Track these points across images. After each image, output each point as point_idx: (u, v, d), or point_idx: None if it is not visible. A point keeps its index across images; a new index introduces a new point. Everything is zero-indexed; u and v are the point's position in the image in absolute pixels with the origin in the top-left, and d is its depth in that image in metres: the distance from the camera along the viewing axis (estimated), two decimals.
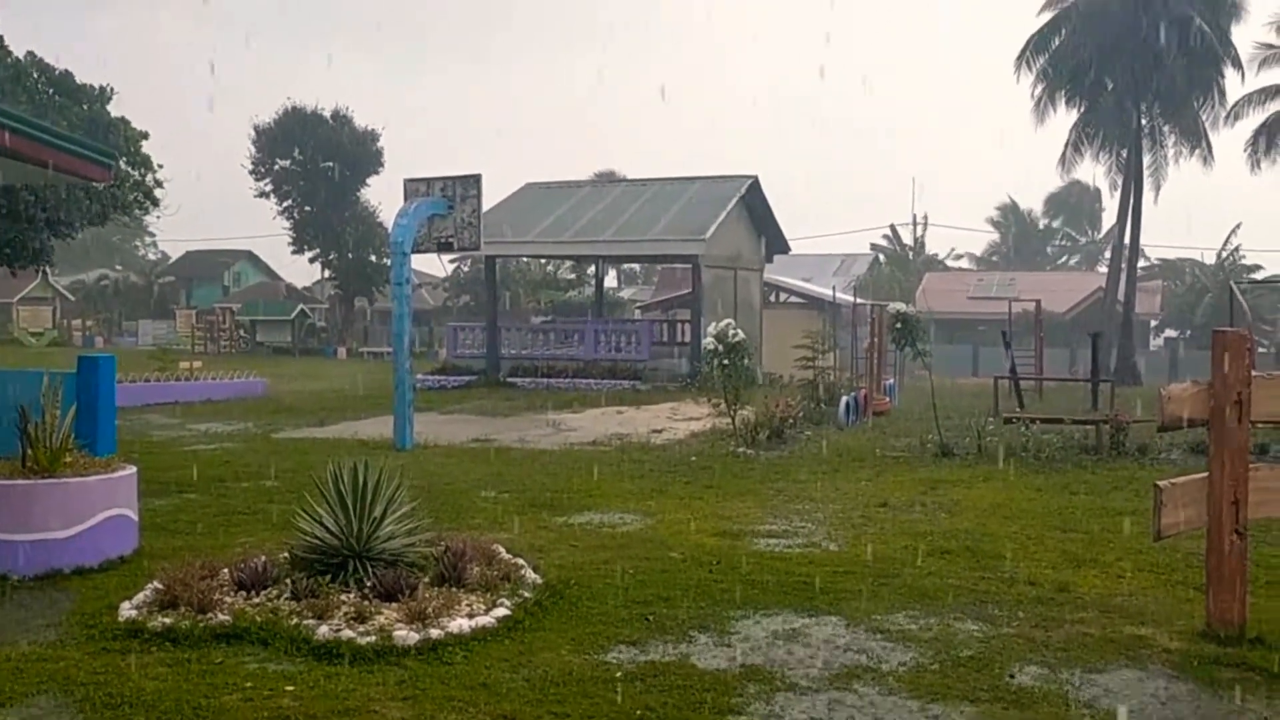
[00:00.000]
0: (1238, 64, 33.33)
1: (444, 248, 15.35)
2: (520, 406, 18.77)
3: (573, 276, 50.35)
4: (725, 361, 14.24)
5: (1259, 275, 46.14)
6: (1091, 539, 7.51)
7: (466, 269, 52.30)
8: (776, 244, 29.42)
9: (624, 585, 6.15)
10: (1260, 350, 39.20)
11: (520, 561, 6.38)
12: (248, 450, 12.97)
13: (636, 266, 58.58)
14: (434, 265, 51.63)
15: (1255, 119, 37.22)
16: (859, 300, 27.58)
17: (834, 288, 31.67)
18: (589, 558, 6.89)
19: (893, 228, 60.15)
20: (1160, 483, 5.19)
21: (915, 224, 60.73)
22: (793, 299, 35.72)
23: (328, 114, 48.71)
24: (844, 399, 16.39)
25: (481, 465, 11.64)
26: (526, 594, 5.72)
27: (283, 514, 7.47)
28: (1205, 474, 5.23)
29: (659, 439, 14.30)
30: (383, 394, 15.44)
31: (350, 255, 49.34)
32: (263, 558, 5.89)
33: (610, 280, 53.75)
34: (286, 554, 6.08)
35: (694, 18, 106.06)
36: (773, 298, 34.62)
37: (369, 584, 5.53)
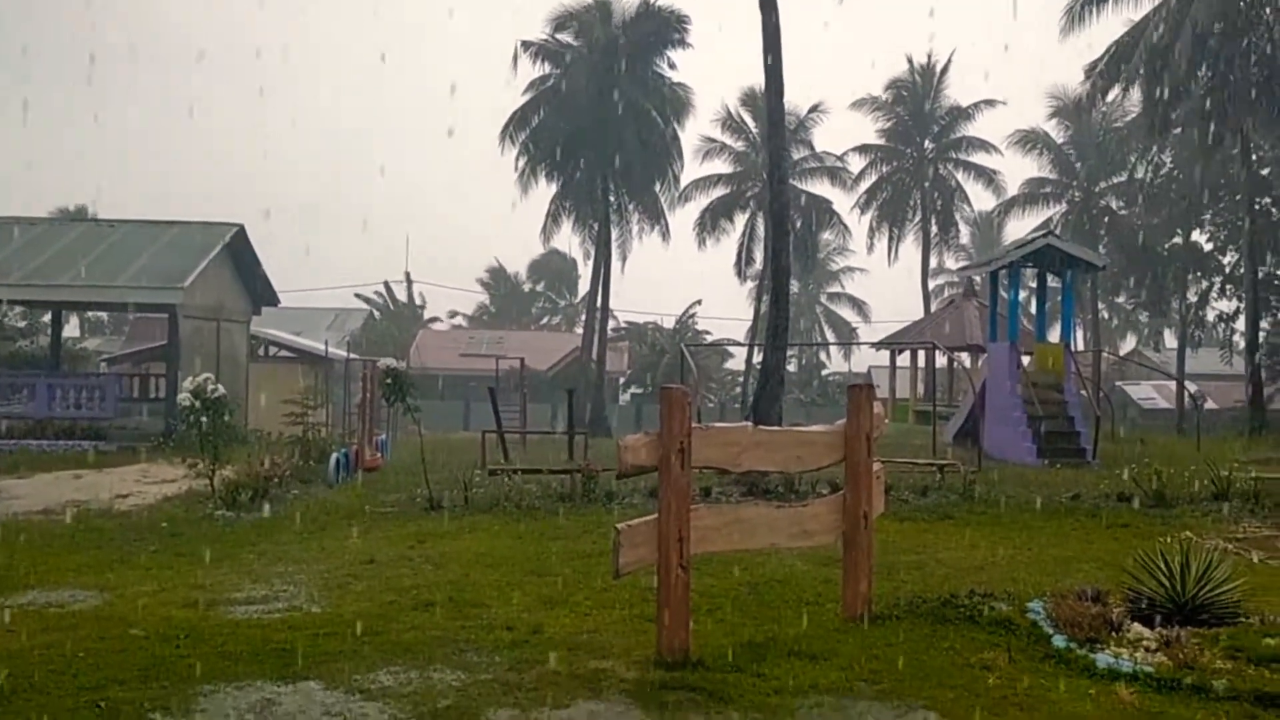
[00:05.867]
0: (681, 154, 38.27)
1: None
2: None
3: (23, 325, 44.33)
4: (204, 418, 13.37)
5: (708, 339, 52.75)
6: (564, 581, 8.03)
7: None
8: (265, 295, 28.29)
9: (72, 671, 5.47)
10: (709, 405, 44.71)
11: None
12: None
13: (104, 315, 53.01)
14: None
15: (701, 202, 42.92)
16: (352, 355, 27.32)
17: (326, 342, 31.11)
18: (29, 643, 6.04)
19: (386, 284, 60.47)
20: (619, 525, 5.69)
21: (409, 281, 61.62)
22: (283, 353, 34.49)
23: None
24: (334, 456, 16.07)
25: None
26: None
27: None
28: (656, 515, 5.82)
29: (125, 505, 12.99)
30: None
31: None
32: None
33: (72, 330, 48.15)
34: None
35: (189, 56, 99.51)
36: (261, 351, 33.16)
37: None
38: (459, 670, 5.57)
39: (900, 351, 33.38)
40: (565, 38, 36.52)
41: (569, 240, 44.80)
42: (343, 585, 8.02)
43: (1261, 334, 31.13)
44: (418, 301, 62.31)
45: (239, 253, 26.08)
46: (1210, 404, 36.21)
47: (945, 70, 45.66)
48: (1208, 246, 38.53)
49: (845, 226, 46.11)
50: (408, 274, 61.89)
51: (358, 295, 58.60)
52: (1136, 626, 6.07)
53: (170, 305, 22.59)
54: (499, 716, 4.85)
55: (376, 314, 58.09)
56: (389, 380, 14.36)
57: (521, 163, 36.43)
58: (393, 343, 47.38)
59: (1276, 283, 34.55)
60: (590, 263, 38.66)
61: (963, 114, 45.44)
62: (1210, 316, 38.45)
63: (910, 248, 46.99)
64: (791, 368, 51.07)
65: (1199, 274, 38.42)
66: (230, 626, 6.59)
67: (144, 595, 7.58)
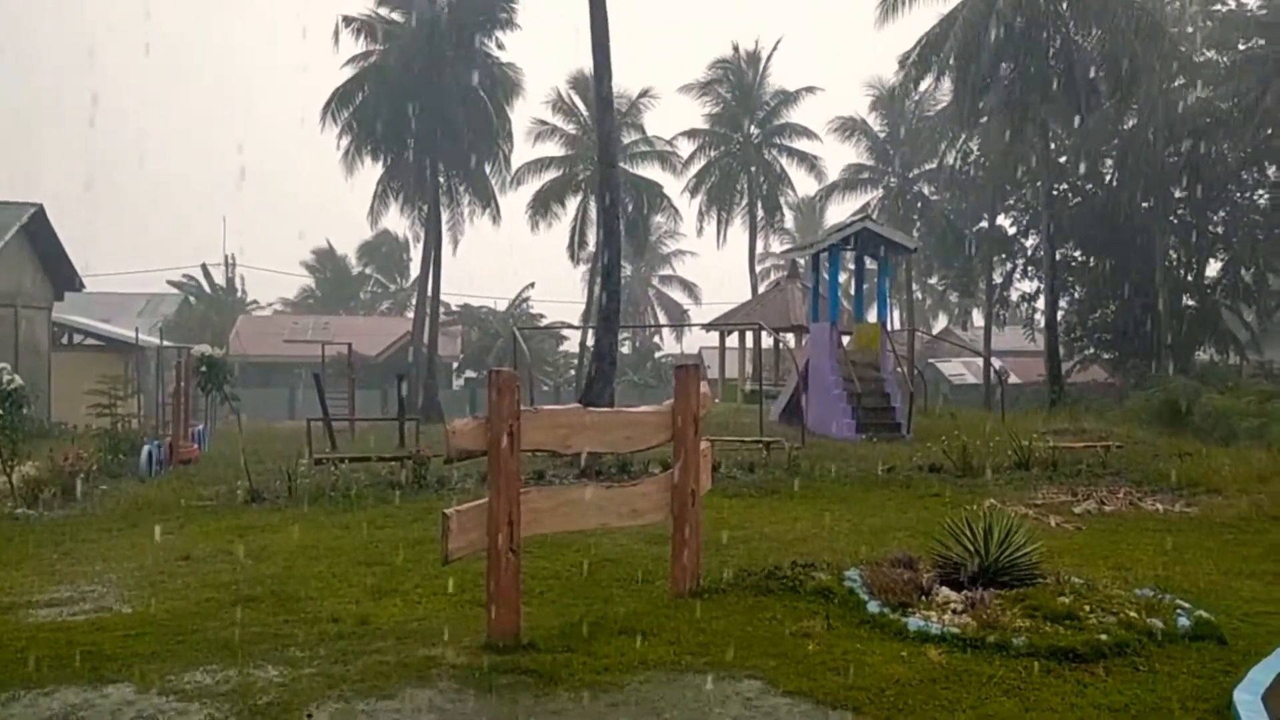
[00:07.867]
0: (512, 136, 37.86)
1: None
2: None
3: None
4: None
5: (543, 322, 52.60)
6: (394, 570, 7.89)
7: None
8: (68, 280, 26.60)
9: None
10: (544, 388, 44.64)
11: None
12: None
13: None
14: None
15: (534, 185, 42.69)
16: (165, 343, 26.01)
17: (138, 329, 29.48)
18: None
19: (204, 268, 57.62)
20: (447, 510, 5.62)
21: (228, 264, 58.91)
22: (89, 341, 32.53)
23: None
24: (146, 448, 15.27)
25: None
26: None
27: None
28: (486, 499, 5.78)
29: None
30: None
31: None
32: None
33: None
34: None
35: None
36: (65, 339, 31.19)
37: None
38: (281, 666, 5.40)
39: (729, 333, 34.10)
40: (387, 12, 35.52)
41: (398, 222, 43.58)
42: (155, 583, 7.66)
43: (1060, 312, 33.28)
44: (238, 286, 59.68)
45: (38, 235, 24.44)
46: (1014, 379, 38.52)
47: (771, 56, 46.77)
48: (1011, 230, 40.81)
49: (676, 210, 46.75)
50: (227, 257, 59.17)
51: (170, 282, 55.70)
52: (945, 590, 6.42)
53: None
54: (325, 709, 4.73)
55: (192, 299, 55.32)
56: (204, 368, 13.77)
57: (345, 142, 35.27)
58: (210, 329, 45.27)
59: (1073, 264, 36.96)
60: (420, 245, 37.88)
61: (787, 99, 46.57)
62: (1014, 296, 40.75)
63: (738, 231, 48.01)
64: (625, 350, 51.57)
65: (1004, 256, 40.65)
66: (31, 630, 6.21)
67: None
